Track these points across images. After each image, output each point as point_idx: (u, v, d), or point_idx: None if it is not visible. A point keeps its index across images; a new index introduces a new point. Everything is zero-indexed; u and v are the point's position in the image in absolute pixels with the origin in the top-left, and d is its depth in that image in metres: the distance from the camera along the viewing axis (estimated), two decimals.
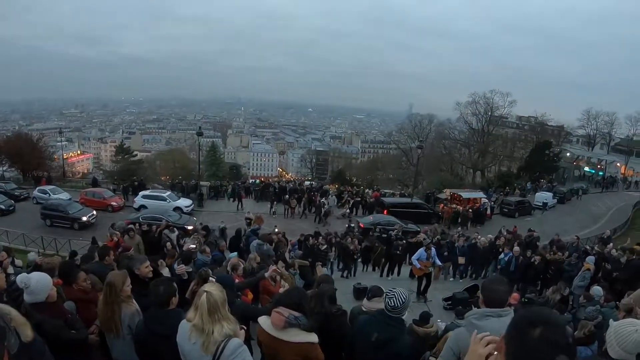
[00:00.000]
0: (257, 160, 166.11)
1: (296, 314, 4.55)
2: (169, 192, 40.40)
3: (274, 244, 17.06)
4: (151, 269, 7.25)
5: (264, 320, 4.70)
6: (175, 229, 21.32)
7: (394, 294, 5.13)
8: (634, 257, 16.17)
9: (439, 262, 18.92)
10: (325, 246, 21.45)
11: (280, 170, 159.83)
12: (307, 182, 63.05)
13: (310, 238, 21.74)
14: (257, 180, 67.46)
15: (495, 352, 2.24)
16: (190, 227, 26.78)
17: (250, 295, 8.91)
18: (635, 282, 11.10)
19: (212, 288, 4.17)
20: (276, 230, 23.01)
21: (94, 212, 34.60)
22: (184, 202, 38.91)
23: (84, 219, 33.11)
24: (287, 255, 16.49)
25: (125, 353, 5.29)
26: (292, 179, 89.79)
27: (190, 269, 9.24)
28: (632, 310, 7.02)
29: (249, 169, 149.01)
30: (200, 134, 47.63)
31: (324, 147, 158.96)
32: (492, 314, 3.75)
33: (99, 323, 5.57)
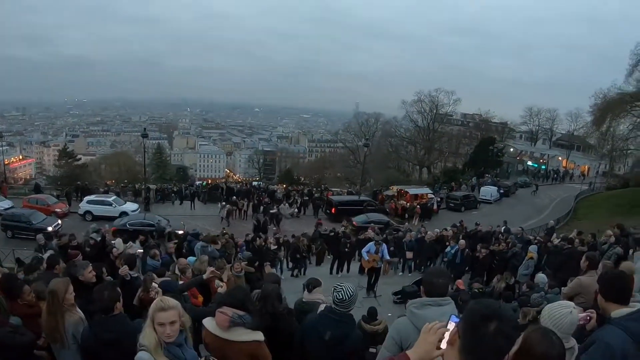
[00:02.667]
0: (204, 161, 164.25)
1: (240, 312, 4.49)
2: (114, 197, 38.94)
3: (220, 245, 16.89)
4: (94, 273, 7.11)
5: (208, 322, 4.61)
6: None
7: (341, 288, 5.11)
8: (569, 246, 16.54)
9: (387, 257, 19.08)
10: (275, 246, 21.46)
11: (228, 171, 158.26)
12: (255, 183, 62.88)
13: (258, 238, 21.62)
14: (205, 182, 66.97)
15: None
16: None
17: (201, 298, 8.78)
18: (570, 268, 11.42)
19: (159, 298, 4.16)
20: (224, 231, 22.86)
21: (59, 221, 32.55)
22: (130, 207, 37.66)
23: (50, 229, 29.51)
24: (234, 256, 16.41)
25: None
26: (240, 180, 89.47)
27: (136, 274, 9.10)
28: (573, 298, 7.15)
29: (196, 170, 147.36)
30: (145, 136, 46.22)
31: (271, 147, 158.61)
32: (432, 303, 3.80)
33: (44, 334, 5.38)
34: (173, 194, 45.23)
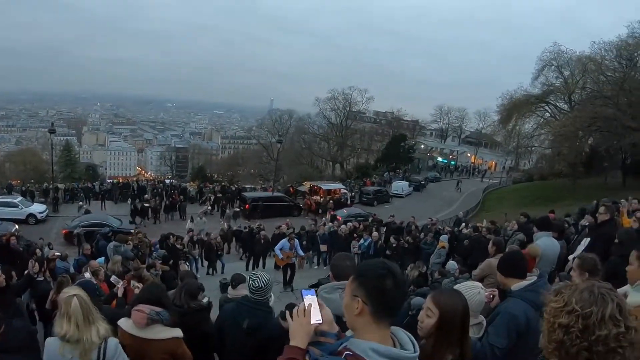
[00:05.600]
0: (114, 159, 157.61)
1: (157, 309, 4.46)
2: (20, 198, 36.00)
3: (131, 245, 16.52)
4: (4, 277, 6.89)
5: (124, 322, 4.55)
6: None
7: (257, 276, 5.12)
8: (478, 233, 17.29)
9: (301, 253, 19.23)
10: (181, 246, 21.19)
11: (139, 169, 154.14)
12: (167, 181, 61.66)
13: (171, 237, 21.27)
14: (116, 181, 65.08)
15: (355, 316, 2.30)
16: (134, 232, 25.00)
17: (114, 303, 8.59)
18: (478, 254, 11.88)
19: (76, 290, 3.94)
20: (137, 230, 22.41)
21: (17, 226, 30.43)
22: (38, 208, 35.03)
23: None
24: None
25: None
26: (151, 178, 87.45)
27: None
28: (483, 279, 7.45)
29: (106, 168, 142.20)
30: (53, 132, 44.04)
31: (183, 143, 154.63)
32: (341, 286, 3.90)
33: None
34: (82, 194, 43.05)
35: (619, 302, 1.97)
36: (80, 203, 37.34)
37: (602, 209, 9.16)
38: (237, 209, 38.53)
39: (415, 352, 2.25)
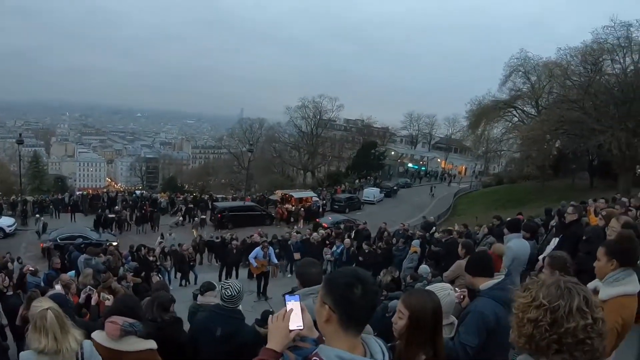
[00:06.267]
0: (84, 170, 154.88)
1: (131, 320, 4.39)
2: None
3: (103, 258, 16.31)
4: None
5: (97, 335, 4.43)
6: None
7: (229, 285, 5.17)
8: (450, 236, 17.46)
9: (275, 261, 19.19)
10: (153, 258, 21.00)
11: (109, 180, 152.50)
12: (137, 192, 61.09)
13: (142, 248, 21.05)
14: (85, 192, 64.23)
15: (323, 323, 2.28)
16: (115, 244, 24.30)
17: (88, 315, 8.46)
18: (451, 257, 11.95)
19: (48, 302, 3.89)
20: (108, 243, 22.15)
21: None
22: (6, 222, 34.00)
23: None
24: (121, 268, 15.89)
25: None
26: (122, 189, 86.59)
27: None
28: (454, 281, 7.50)
29: (75, 180, 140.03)
30: (20, 143, 43.24)
31: (154, 154, 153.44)
32: (314, 292, 3.90)
33: None
34: (51, 206, 42.16)
35: (585, 295, 2.02)
36: (37, 216, 36.02)
37: (570, 209, 9.37)
38: (203, 216, 38.29)
39: None
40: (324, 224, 34.59)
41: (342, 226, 31.47)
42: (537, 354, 2.07)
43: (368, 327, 2.62)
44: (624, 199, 16.52)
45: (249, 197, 49.60)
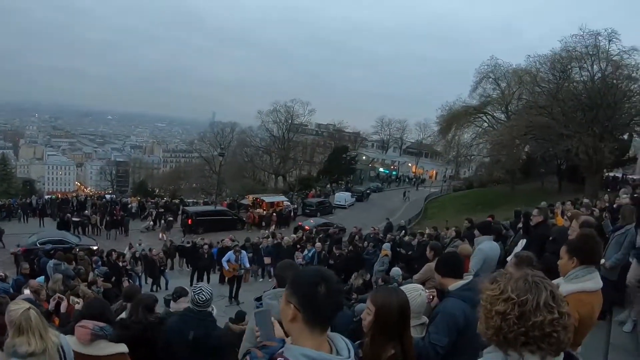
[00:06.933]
0: (53, 173, 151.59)
1: (101, 324, 4.36)
2: None
3: (73, 263, 16.13)
4: None
5: (68, 340, 4.27)
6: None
7: (201, 289, 5.23)
8: (423, 239, 17.67)
9: (247, 265, 19.15)
10: (128, 263, 20.84)
11: (79, 184, 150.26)
12: (107, 196, 60.42)
13: (113, 253, 20.86)
14: (54, 196, 63.31)
15: (289, 322, 2.31)
16: (95, 248, 24.47)
17: (57, 321, 8.35)
18: (421, 260, 12.07)
19: (25, 303, 3.83)
20: (77, 249, 21.87)
21: None
22: None
23: None
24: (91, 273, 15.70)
25: None
26: (91, 193, 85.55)
27: None
28: (424, 283, 7.60)
29: (44, 183, 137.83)
30: None
31: (124, 157, 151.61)
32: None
33: None
34: (20, 210, 41.51)
35: (552, 289, 2.09)
36: None
37: (535, 211, 9.60)
38: (170, 218, 38.10)
39: (349, 357, 2.28)
40: (306, 227, 34.75)
41: (332, 230, 31.48)
42: (504, 346, 2.13)
43: None
44: (586, 200, 16.88)
45: (225, 202, 49.43)
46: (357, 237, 24.13)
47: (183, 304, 6.21)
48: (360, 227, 27.20)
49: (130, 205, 43.99)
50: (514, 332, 2.05)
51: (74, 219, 35.26)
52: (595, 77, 41.09)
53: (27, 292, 8.85)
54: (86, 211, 38.80)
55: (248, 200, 48.50)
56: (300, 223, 38.29)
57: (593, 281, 4.03)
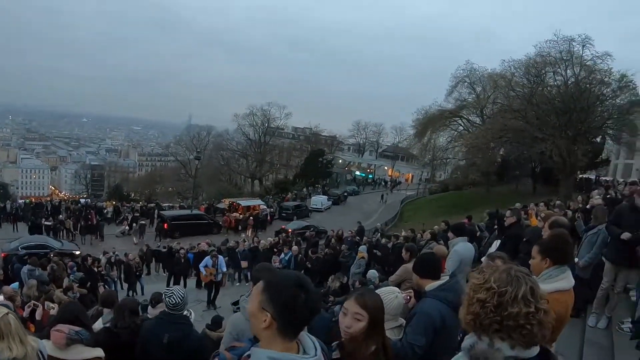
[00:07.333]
0: (26, 177, 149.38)
1: (76, 328, 4.33)
2: None
3: (48, 268, 15.98)
4: None
5: (44, 345, 4.21)
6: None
7: (172, 293, 5.19)
8: (397, 241, 17.81)
9: (224, 269, 19.09)
10: (104, 269, 20.71)
11: (53, 188, 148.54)
12: (82, 200, 59.76)
13: (88, 258, 20.69)
14: (28, 200, 62.45)
15: (263, 330, 2.28)
16: (77, 253, 24.30)
17: (33, 328, 8.27)
18: (398, 262, 12.16)
19: (3, 308, 3.76)
20: (52, 254, 21.67)
21: None
22: None
23: None
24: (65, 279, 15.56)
25: None
26: (66, 198, 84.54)
27: None
28: (400, 285, 7.67)
29: (17, 187, 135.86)
30: None
31: (99, 161, 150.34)
32: None
33: None
34: None
35: (532, 285, 2.21)
36: None
37: (508, 212, 9.82)
38: (143, 222, 37.64)
39: (316, 356, 2.30)
40: (289, 230, 35.01)
41: (309, 233, 31.50)
42: (479, 331, 2.24)
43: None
44: (559, 202, 17.27)
45: (203, 206, 49.18)
46: (333, 240, 24.20)
47: (161, 310, 6.23)
48: (341, 229, 27.23)
49: (105, 210, 43.58)
50: (489, 319, 2.17)
51: (46, 223, 34.85)
52: (569, 82, 41.69)
53: (1, 297, 8.75)
54: (60, 216, 38.27)
55: (224, 204, 48.32)
56: (283, 226, 38.19)
57: (566, 280, 4.13)
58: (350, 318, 3.22)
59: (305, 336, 2.36)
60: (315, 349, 2.33)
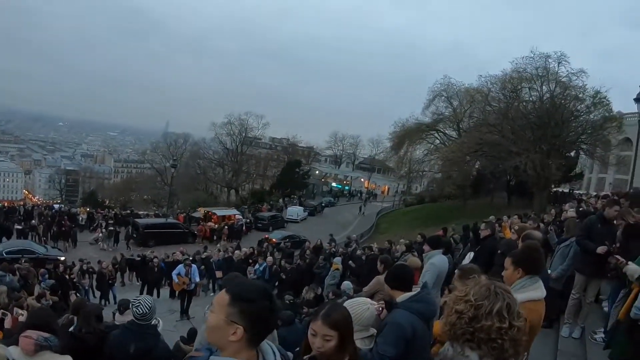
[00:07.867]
0: None
1: (45, 334, 4.24)
2: None
3: (18, 275, 15.70)
4: None
5: (12, 350, 4.26)
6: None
7: (139, 302, 5.16)
8: (371, 252, 17.87)
9: (197, 279, 18.94)
10: (76, 276, 20.46)
11: (26, 192, 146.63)
12: (56, 205, 59.09)
13: (60, 265, 20.41)
14: (0, 204, 61.58)
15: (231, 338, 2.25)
16: (62, 259, 23.81)
17: (1, 334, 8.11)
18: (371, 273, 12.18)
19: None
20: (23, 261, 21.38)
21: None
22: None
23: None
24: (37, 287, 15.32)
25: None
26: (39, 202, 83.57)
27: None
28: (373, 296, 7.67)
29: None
30: None
31: (74, 166, 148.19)
32: None
33: None
34: None
35: (509, 302, 2.27)
36: None
37: (482, 225, 9.96)
38: (111, 228, 37.00)
39: None
40: (272, 239, 35.35)
41: (283, 244, 32.00)
42: (453, 339, 2.32)
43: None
44: (533, 214, 17.47)
45: (181, 215, 48.83)
46: (308, 251, 24.17)
47: (128, 317, 6.15)
48: (319, 240, 27.27)
49: (79, 216, 43.11)
50: (462, 330, 2.24)
51: (17, 227, 34.42)
52: (544, 98, 42.60)
53: None
54: (33, 220, 37.76)
55: (200, 213, 48.13)
56: (266, 235, 38.40)
57: (539, 290, 4.22)
58: (320, 339, 3.13)
59: (264, 343, 2.37)
60: (275, 355, 2.37)
